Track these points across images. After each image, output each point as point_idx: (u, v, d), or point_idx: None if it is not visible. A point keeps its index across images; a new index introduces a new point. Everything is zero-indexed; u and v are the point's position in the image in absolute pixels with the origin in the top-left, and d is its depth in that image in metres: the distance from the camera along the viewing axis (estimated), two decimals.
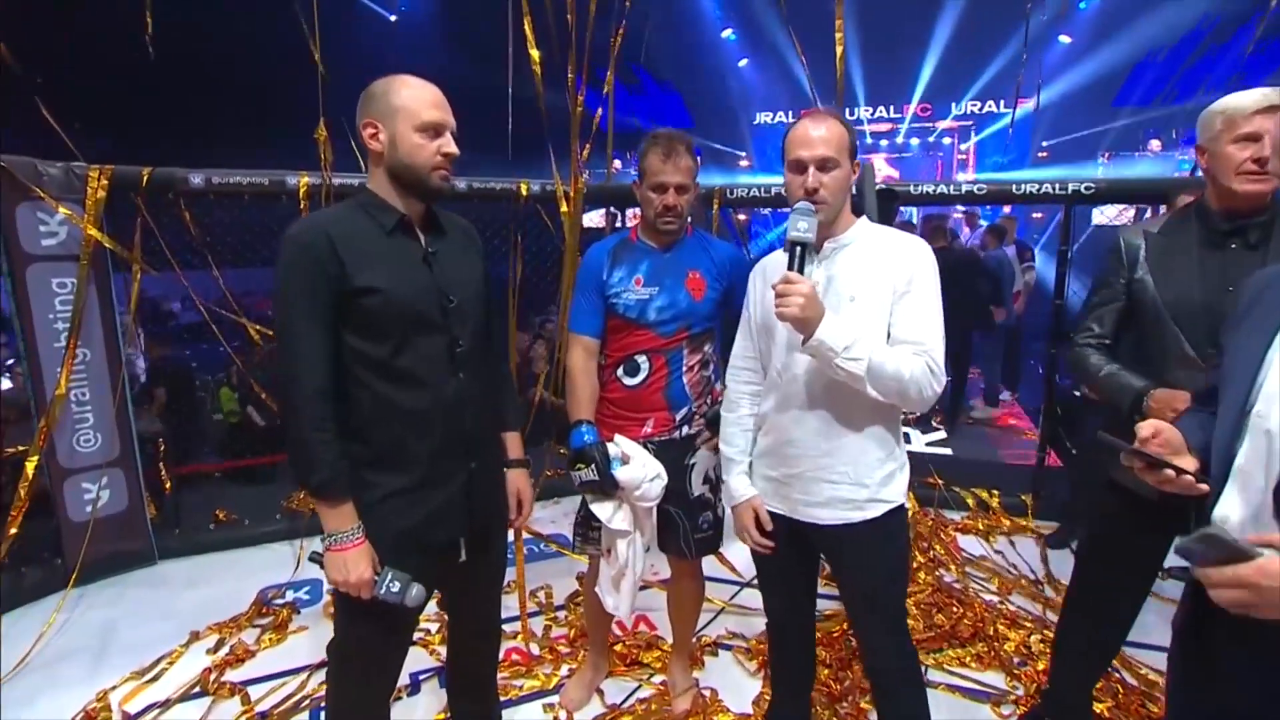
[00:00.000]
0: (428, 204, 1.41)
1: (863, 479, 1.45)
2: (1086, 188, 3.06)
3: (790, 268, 1.34)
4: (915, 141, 13.57)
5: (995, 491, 3.52)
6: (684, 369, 1.85)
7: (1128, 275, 1.61)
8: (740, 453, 1.63)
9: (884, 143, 13.50)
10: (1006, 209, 8.80)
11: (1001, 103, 12.70)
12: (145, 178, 2.74)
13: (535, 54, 2.33)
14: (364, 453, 1.35)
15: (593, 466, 1.73)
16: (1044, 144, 12.94)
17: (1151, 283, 1.56)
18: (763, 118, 13.95)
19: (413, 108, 1.30)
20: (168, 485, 3.33)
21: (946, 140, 13.36)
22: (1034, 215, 11.74)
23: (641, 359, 1.84)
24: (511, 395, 1.71)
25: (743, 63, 13.48)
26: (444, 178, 1.35)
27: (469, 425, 1.43)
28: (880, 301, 1.40)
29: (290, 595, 2.78)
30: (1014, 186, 3.19)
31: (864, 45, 11.07)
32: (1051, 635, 2.35)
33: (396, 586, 1.33)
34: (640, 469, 1.76)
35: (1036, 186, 3.13)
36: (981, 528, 3.32)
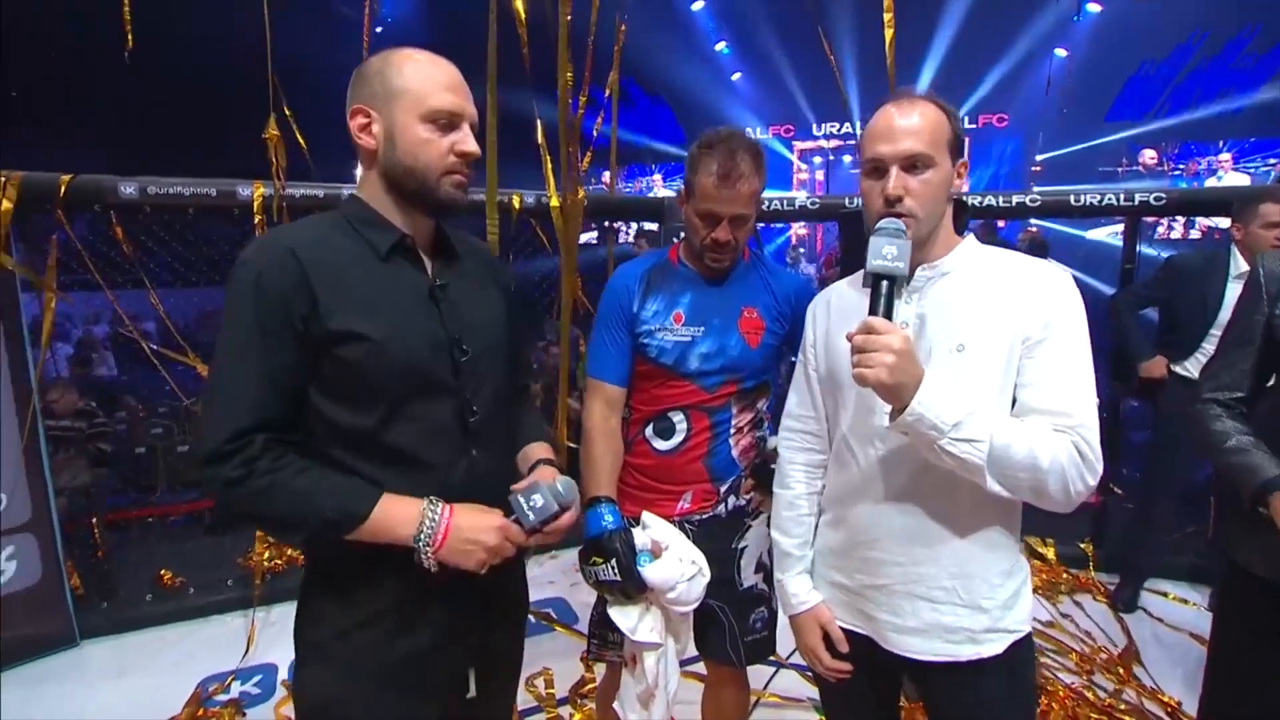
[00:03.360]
0: (437, 220, 1.05)
1: (978, 600, 1.05)
2: (1156, 198, 2.70)
3: (874, 312, 0.95)
4: None
5: (1050, 540, 3.13)
6: (731, 431, 1.43)
7: (1267, 311, 1.29)
8: (800, 544, 1.22)
9: None
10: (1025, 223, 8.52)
11: (996, 119, 12.57)
12: (63, 187, 2.30)
13: (523, 33, 1.93)
14: (336, 560, 0.98)
15: (613, 562, 1.30)
16: (1037, 159, 12.82)
17: None
18: (758, 133, 13.74)
19: (419, 90, 0.97)
20: (100, 550, 2.84)
21: None
22: (1029, 228, 11.57)
23: (677, 417, 1.42)
24: (538, 423, 1.27)
25: (736, 76, 13.26)
26: (458, 185, 1.00)
27: None
28: (1000, 353, 1.01)
29: (236, 689, 2.30)
30: (1072, 197, 2.83)
31: (858, 61, 10.89)
32: None
33: (539, 501, 0.98)
34: (676, 565, 1.33)
35: (1098, 197, 2.78)
36: (1041, 584, 2.91)
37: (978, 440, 0.93)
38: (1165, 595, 2.83)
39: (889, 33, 1.90)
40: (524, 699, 2.20)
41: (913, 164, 1.02)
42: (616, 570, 1.29)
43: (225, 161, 2.60)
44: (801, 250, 12.76)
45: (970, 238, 1.11)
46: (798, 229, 13.03)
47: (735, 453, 1.45)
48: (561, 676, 2.32)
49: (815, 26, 2.99)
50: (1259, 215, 2.36)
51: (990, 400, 1.00)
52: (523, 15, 1.87)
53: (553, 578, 3.04)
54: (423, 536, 0.92)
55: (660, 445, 1.44)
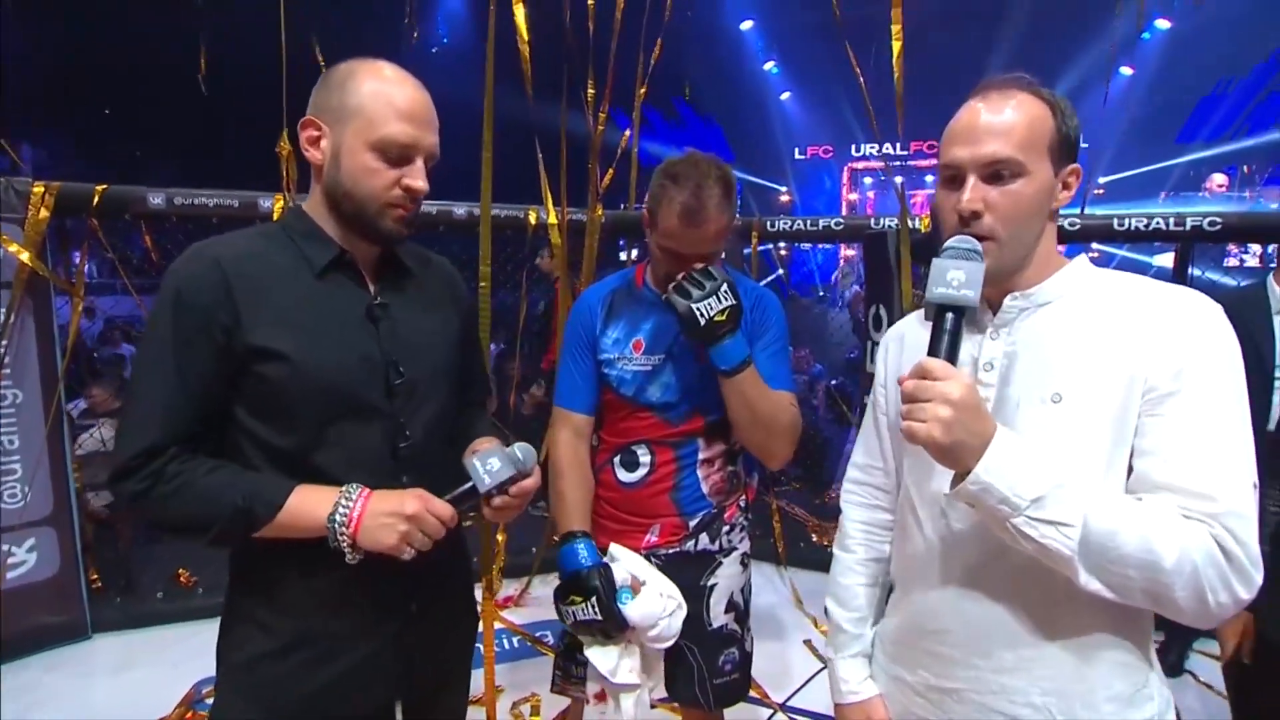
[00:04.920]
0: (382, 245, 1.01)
1: None
2: (1211, 223, 2.50)
3: (934, 352, 0.77)
4: None
5: None
6: (699, 464, 1.36)
7: None
8: (856, 620, 1.03)
9: (929, 178, 12.97)
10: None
11: None
12: (97, 196, 2.41)
13: (525, 49, 1.92)
14: (254, 580, 0.95)
15: (593, 600, 1.22)
16: (1100, 181, 12.26)
17: None
18: (795, 155, 13.63)
19: (373, 114, 0.90)
20: (120, 545, 2.93)
21: None
22: (1090, 255, 11.05)
23: (641, 450, 1.36)
24: (489, 425, 1.21)
25: (785, 96, 13.19)
26: (399, 220, 0.94)
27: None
28: (1111, 408, 0.78)
29: None
30: (1115, 221, 2.65)
31: (910, 79, 10.68)
32: None
33: (495, 465, 0.94)
34: (657, 600, 1.26)
35: (1145, 221, 2.58)
36: None
37: (1065, 524, 0.72)
38: (1218, 659, 2.57)
39: (896, 45, 1.82)
40: None
41: (996, 173, 0.81)
42: (597, 609, 1.22)
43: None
44: (850, 271, 12.48)
45: (1081, 259, 0.89)
46: (846, 250, 12.77)
47: (705, 488, 1.37)
48: (550, 703, 2.25)
49: (843, 44, 2.91)
50: None
51: (1094, 469, 0.78)
52: (525, 32, 1.86)
53: (550, 600, 2.98)
54: (338, 516, 0.87)
55: (625, 477, 1.38)
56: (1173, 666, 2.51)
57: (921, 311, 1.01)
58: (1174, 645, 2.55)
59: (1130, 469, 0.78)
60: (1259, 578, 0.71)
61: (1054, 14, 10.19)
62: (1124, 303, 0.82)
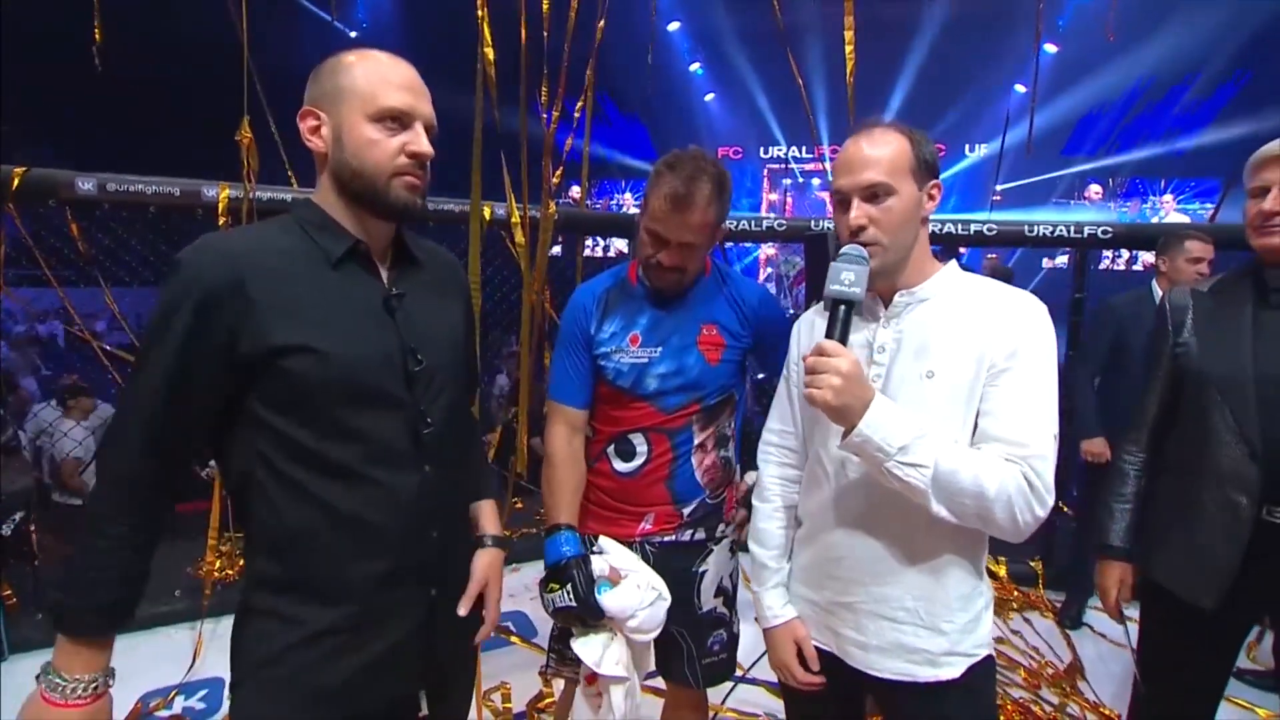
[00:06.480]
0: (395, 225, 1.02)
1: (938, 623, 1.08)
2: (1104, 232, 2.84)
3: (830, 335, 1.00)
4: None
5: (1002, 558, 3.22)
6: (693, 451, 1.43)
7: (1171, 342, 1.38)
8: (776, 557, 1.25)
9: None
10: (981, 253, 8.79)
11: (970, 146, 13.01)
12: (17, 179, 2.22)
13: (490, 53, 1.95)
14: (274, 574, 0.94)
15: (569, 588, 1.29)
16: (997, 189, 13.28)
17: (1196, 350, 1.34)
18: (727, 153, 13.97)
19: (367, 89, 0.94)
20: (36, 558, 2.71)
21: None
22: (989, 256, 11.95)
23: (637, 439, 1.42)
24: (482, 457, 1.29)
25: (709, 97, 13.48)
26: (410, 187, 0.96)
27: (436, 538, 1.02)
28: (966, 381, 1.04)
29: (180, 704, 2.21)
30: (1026, 228, 2.95)
31: (828, 84, 11.17)
32: None
33: None
34: (634, 592, 1.33)
35: (1050, 228, 2.90)
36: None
37: (922, 465, 0.96)
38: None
39: (849, 65, 1.98)
40: (481, 713, 2.17)
41: (873, 194, 1.05)
42: (572, 595, 1.29)
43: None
44: (793, 267, 12.89)
45: (952, 264, 1.13)
46: (767, 249, 13.21)
47: (699, 474, 1.44)
48: (519, 691, 2.29)
49: (786, 51, 3.08)
50: (1184, 250, 2.47)
51: (955, 427, 1.02)
52: (488, 36, 1.88)
53: (513, 591, 3.00)
54: (62, 682, 0.87)
55: (621, 466, 1.43)
56: (1073, 620, 2.84)
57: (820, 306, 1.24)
58: (1074, 602, 2.88)
59: (976, 426, 1.04)
60: (1051, 501, 0.99)
61: (960, 31, 10.94)
62: (978, 301, 1.08)
